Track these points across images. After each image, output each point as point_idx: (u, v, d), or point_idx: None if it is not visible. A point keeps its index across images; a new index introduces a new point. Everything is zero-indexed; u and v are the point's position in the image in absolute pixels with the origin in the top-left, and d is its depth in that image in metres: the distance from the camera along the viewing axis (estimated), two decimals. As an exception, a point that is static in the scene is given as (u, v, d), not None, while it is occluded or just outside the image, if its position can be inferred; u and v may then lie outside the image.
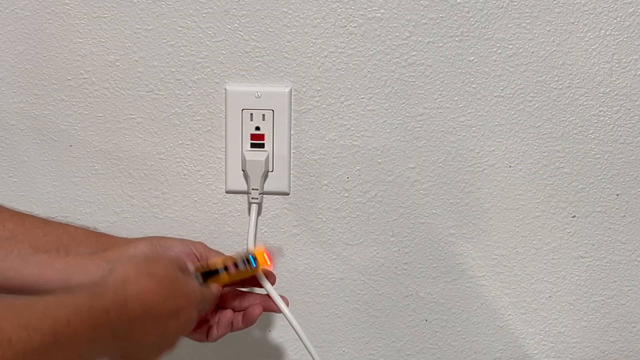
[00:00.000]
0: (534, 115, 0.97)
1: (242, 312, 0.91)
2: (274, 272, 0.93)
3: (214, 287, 0.86)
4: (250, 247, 0.92)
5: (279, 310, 0.92)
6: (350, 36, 0.95)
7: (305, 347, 0.93)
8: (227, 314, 0.91)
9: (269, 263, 0.89)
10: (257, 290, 0.94)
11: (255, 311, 0.90)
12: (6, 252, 0.86)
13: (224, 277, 0.87)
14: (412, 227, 1.02)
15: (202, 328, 0.91)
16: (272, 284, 0.92)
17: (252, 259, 0.88)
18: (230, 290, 0.94)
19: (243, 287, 0.95)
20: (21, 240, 0.87)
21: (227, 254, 0.91)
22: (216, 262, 0.88)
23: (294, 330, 0.92)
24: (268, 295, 0.92)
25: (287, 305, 0.92)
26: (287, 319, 0.92)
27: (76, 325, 0.65)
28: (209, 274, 0.87)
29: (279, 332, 1.08)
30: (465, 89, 0.97)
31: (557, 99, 0.97)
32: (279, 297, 0.92)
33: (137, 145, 1.01)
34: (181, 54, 0.97)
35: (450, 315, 1.06)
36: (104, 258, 0.88)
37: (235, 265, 0.87)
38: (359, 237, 1.03)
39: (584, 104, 0.97)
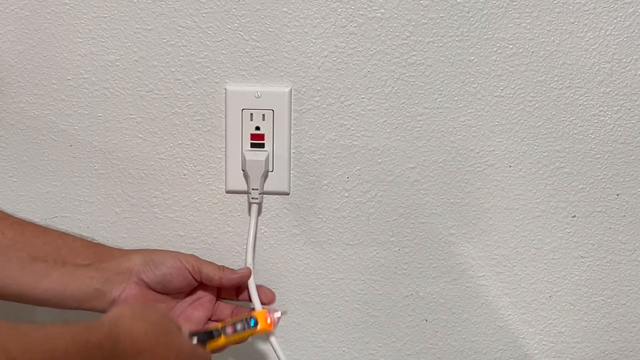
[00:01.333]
0: (534, 115, 0.97)
1: None
2: (270, 289, 0.97)
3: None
4: (257, 307, 0.92)
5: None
6: (350, 36, 0.95)
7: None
8: None
9: (269, 324, 0.90)
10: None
11: None
12: (5, 259, 0.86)
13: (220, 339, 0.87)
14: (412, 227, 1.02)
15: None
16: (271, 302, 0.95)
17: (252, 321, 0.89)
18: (223, 306, 0.95)
19: (238, 299, 0.96)
20: (20, 249, 0.87)
21: (219, 264, 0.92)
22: (213, 325, 0.89)
23: (274, 350, 0.94)
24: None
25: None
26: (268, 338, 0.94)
27: (73, 354, 0.67)
28: (206, 337, 0.87)
29: (278, 332, 1.08)
30: (465, 89, 0.97)
31: (557, 99, 0.97)
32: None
33: (137, 145, 1.01)
34: (181, 54, 0.97)
35: (450, 315, 1.06)
36: (98, 270, 0.89)
37: (234, 326, 0.88)
38: (359, 237, 1.03)
39: (584, 104, 0.97)
